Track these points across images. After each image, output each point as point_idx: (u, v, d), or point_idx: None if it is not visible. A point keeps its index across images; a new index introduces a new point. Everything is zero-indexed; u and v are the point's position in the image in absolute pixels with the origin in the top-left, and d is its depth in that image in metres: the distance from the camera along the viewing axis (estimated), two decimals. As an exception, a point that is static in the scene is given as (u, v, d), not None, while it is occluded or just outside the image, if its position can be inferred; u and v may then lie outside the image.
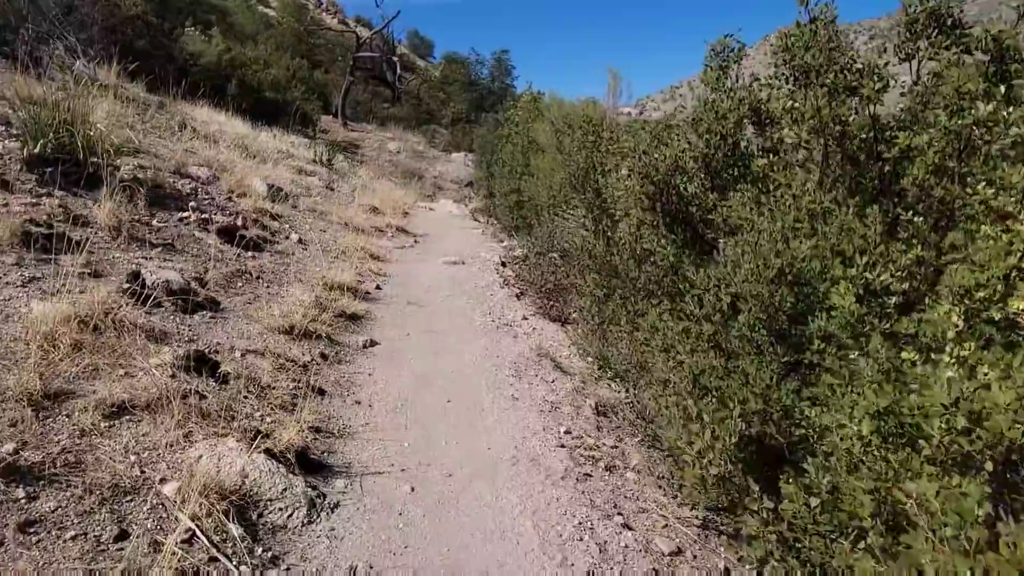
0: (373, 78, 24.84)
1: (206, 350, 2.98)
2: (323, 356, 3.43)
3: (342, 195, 8.69)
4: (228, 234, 4.84)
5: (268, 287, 4.26)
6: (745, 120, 2.88)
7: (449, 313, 4.71)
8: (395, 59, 24.65)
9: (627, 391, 3.22)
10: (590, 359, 3.98)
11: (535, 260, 5.62)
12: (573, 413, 3.23)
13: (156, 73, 9.14)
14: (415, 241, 7.36)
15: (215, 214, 5.27)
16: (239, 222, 5.28)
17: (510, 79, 28.07)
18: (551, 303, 5.20)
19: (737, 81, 3.13)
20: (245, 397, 2.63)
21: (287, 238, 5.59)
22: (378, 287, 5.12)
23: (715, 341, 2.03)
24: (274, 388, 2.80)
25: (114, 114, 6.66)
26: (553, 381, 3.66)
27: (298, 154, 10.96)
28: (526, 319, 4.91)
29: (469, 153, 19.21)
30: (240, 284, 4.09)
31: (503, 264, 6.70)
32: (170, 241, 4.26)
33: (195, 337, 3.09)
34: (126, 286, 3.29)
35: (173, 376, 2.57)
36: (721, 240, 2.72)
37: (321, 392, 3.02)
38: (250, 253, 4.80)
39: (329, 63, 22.99)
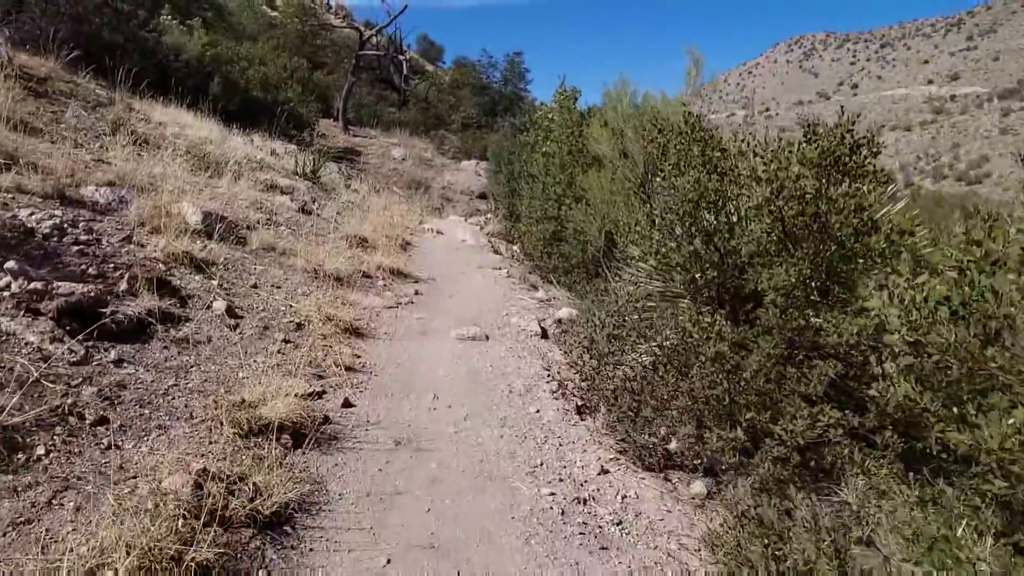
0: (379, 80, 22.90)
1: None
2: None
3: (322, 221, 6.58)
4: (79, 316, 2.72)
5: (109, 449, 2.11)
6: None
7: (471, 473, 2.55)
8: (402, 59, 22.71)
9: None
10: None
11: (607, 346, 3.46)
12: None
13: (107, 64, 7.43)
14: (416, 292, 5.21)
15: (84, 270, 3.17)
16: (120, 286, 3.16)
17: (523, 83, 26.00)
18: (641, 429, 3.03)
19: None
20: None
21: (208, 307, 3.46)
22: (347, 403, 2.97)
23: None
24: None
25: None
26: None
27: (276, 164, 8.89)
28: (606, 473, 2.75)
29: (481, 161, 17.26)
30: (40, 452, 1.96)
31: (544, 334, 4.55)
32: (-75, 349, 2.16)
33: None
34: None
35: None
36: None
37: None
38: (113, 353, 2.67)
39: (334, 64, 21.11)
